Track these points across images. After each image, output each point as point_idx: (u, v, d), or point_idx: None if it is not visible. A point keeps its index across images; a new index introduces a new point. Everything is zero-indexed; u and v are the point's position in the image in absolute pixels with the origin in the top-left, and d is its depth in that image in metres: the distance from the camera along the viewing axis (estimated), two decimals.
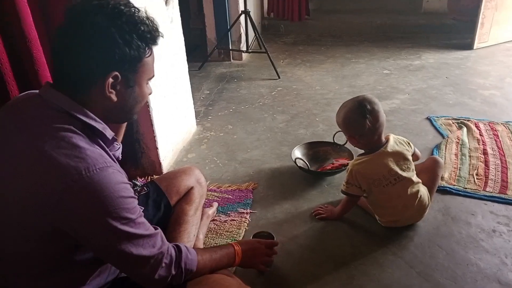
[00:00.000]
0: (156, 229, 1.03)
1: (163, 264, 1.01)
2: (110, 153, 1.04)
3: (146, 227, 0.99)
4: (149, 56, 1.00)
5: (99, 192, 0.88)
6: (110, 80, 0.94)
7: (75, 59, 0.93)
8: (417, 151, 1.79)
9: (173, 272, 1.03)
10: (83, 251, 0.99)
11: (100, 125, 1.00)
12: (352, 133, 1.66)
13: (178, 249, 1.07)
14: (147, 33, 0.97)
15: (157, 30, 1.01)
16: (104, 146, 1.01)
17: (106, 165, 0.91)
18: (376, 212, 1.76)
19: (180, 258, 1.05)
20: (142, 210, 1.36)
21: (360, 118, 1.60)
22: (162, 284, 1.02)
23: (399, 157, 1.66)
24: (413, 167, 1.70)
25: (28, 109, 0.98)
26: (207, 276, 1.25)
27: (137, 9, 0.97)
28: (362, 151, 1.72)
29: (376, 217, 1.77)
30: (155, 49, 1.03)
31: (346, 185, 1.70)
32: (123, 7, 0.94)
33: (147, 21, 0.97)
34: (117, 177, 0.92)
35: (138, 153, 2.12)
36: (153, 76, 1.07)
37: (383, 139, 1.68)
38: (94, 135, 0.98)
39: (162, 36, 1.04)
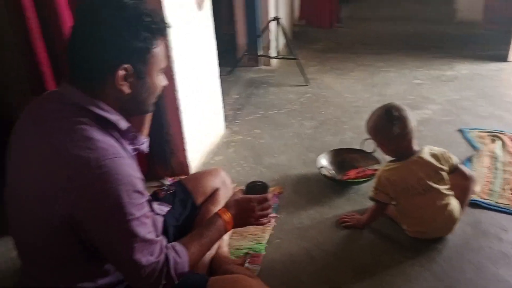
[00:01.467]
0: (158, 236, 1.00)
1: (157, 274, 0.98)
2: (125, 145, 1.04)
3: (149, 230, 0.97)
4: (158, 47, 1.01)
5: (106, 183, 0.88)
6: (121, 72, 0.96)
7: (85, 55, 0.95)
8: (465, 170, 1.69)
9: (164, 282, 1.00)
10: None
11: (114, 117, 1.01)
12: (381, 140, 1.67)
13: (166, 258, 1.01)
14: (153, 24, 0.98)
15: (163, 21, 1.02)
16: (118, 138, 1.02)
17: (116, 156, 0.92)
18: (402, 221, 1.73)
19: (169, 267, 1.00)
20: (169, 208, 1.40)
21: (388, 124, 1.60)
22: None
23: (430, 168, 1.62)
24: (446, 180, 1.65)
25: (45, 105, 1.02)
26: (228, 277, 1.26)
27: (141, 1, 0.99)
28: (392, 159, 1.70)
29: (403, 226, 1.74)
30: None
31: (375, 191, 1.68)
32: (126, 0, 0.96)
33: (152, 13, 0.98)
34: (127, 170, 0.92)
35: (167, 154, 2.15)
36: (165, 66, 1.08)
37: (415, 147, 1.65)
38: (108, 127, 1.00)
39: (170, 27, 1.04)
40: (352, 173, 2.15)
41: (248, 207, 1.24)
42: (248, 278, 1.23)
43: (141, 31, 0.96)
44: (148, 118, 1.36)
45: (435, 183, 1.62)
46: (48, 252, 0.99)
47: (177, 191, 1.51)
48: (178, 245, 1.07)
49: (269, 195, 1.29)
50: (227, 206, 1.23)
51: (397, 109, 1.61)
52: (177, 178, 2.14)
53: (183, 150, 2.13)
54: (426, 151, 1.66)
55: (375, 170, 2.10)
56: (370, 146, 2.14)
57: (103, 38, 0.93)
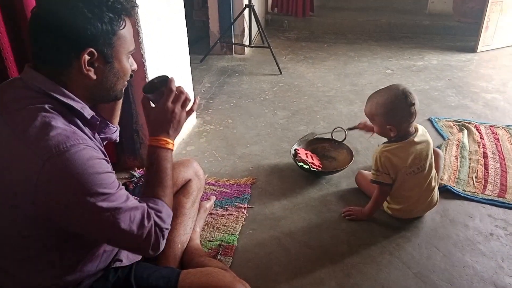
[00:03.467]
0: (141, 202, 1.01)
1: (154, 234, 0.99)
2: (89, 134, 1.01)
3: (129, 199, 0.96)
4: (124, 28, 0.97)
5: (70, 170, 0.85)
6: (86, 57, 0.92)
7: (47, 38, 0.92)
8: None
9: (161, 236, 1.02)
10: (71, 235, 0.97)
11: (79, 104, 0.97)
12: (394, 121, 1.64)
13: (158, 217, 1.02)
14: (118, 4, 0.94)
15: (128, 0, 0.98)
16: (82, 126, 0.99)
17: (78, 142, 0.88)
18: (391, 200, 1.76)
19: (157, 224, 1.01)
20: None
21: (407, 107, 1.60)
22: (159, 247, 1.02)
23: (426, 147, 1.69)
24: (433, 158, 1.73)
25: (9, 91, 0.97)
26: (201, 269, 1.24)
27: None
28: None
29: (385, 204, 1.78)
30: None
31: (376, 173, 1.68)
32: None
33: None
34: (90, 153, 0.89)
35: (137, 144, 2.10)
36: (133, 49, 1.04)
37: (413, 128, 1.69)
38: (72, 115, 0.96)
39: (137, 6, 1.01)
40: (301, 152, 2.15)
41: (167, 112, 1.11)
42: (220, 271, 1.22)
43: (105, 12, 0.92)
44: (119, 105, 1.31)
45: (428, 162, 1.68)
46: (15, 243, 0.95)
47: None
48: (149, 200, 1.04)
49: (173, 85, 1.11)
50: (151, 133, 1.12)
51: (410, 91, 1.63)
52: None
53: None
54: (421, 129, 1.71)
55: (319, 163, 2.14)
56: (341, 135, 2.18)
57: (65, 20, 0.89)
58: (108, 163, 0.96)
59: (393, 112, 1.63)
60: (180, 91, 1.13)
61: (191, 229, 1.53)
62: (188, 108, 1.16)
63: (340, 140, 2.21)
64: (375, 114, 1.68)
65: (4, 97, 0.96)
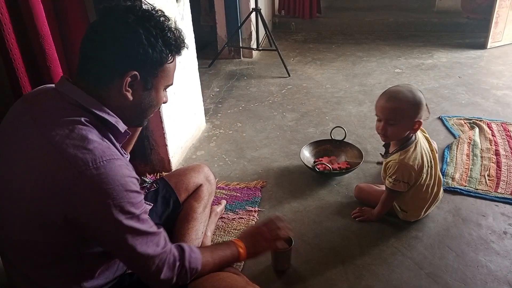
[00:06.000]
0: (159, 228, 1.03)
1: (167, 264, 1.01)
2: (119, 147, 1.05)
3: (149, 225, 0.99)
4: (171, 63, 1.03)
5: (104, 184, 0.88)
6: (129, 78, 0.97)
7: (99, 52, 0.96)
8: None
9: (177, 272, 1.04)
10: (91, 243, 1.00)
11: (113, 119, 1.01)
12: (419, 115, 1.62)
13: (181, 249, 1.07)
14: (173, 40, 1.01)
15: (183, 41, 1.05)
16: (114, 140, 1.02)
17: (113, 157, 0.92)
18: (405, 207, 1.74)
19: (183, 257, 1.05)
20: (151, 206, 1.38)
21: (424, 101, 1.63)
22: (168, 284, 1.03)
23: (428, 141, 1.71)
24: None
25: (43, 101, 1.00)
26: (213, 274, 1.25)
27: (168, 18, 1.02)
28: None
29: (401, 215, 1.76)
30: None
31: (394, 182, 1.65)
32: (154, 12, 0.99)
33: (174, 30, 1.02)
34: (123, 170, 0.93)
35: (148, 150, 2.12)
36: (171, 84, 1.10)
37: None
38: (106, 129, 1.00)
39: (187, 48, 1.08)
40: (325, 160, 2.17)
41: (258, 232, 1.29)
42: (232, 275, 1.23)
43: (159, 43, 0.98)
44: (136, 134, 1.38)
45: (434, 156, 1.70)
46: (37, 249, 0.97)
47: (159, 188, 1.50)
48: (192, 246, 1.13)
49: (280, 218, 1.33)
50: (239, 237, 1.28)
51: None
52: (158, 175, 2.12)
53: (163, 145, 2.10)
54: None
55: (347, 162, 2.15)
56: (340, 134, 2.22)
57: (120, 40, 0.95)
58: (138, 181, 1.00)
59: (422, 105, 1.60)
60: (277, 226, 1.32)
61: (203, 233, 1.55)
62: (276, 243, 1.33)
63: (340, 139, 2.22)
64: (406, 110, 1.59)
65: (40, 107, 0.99)
